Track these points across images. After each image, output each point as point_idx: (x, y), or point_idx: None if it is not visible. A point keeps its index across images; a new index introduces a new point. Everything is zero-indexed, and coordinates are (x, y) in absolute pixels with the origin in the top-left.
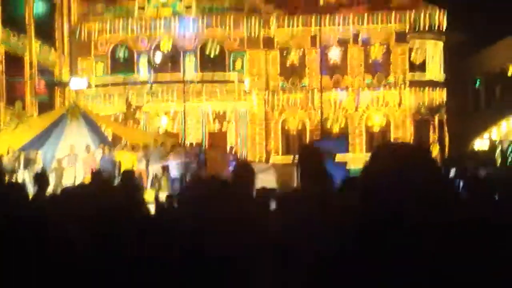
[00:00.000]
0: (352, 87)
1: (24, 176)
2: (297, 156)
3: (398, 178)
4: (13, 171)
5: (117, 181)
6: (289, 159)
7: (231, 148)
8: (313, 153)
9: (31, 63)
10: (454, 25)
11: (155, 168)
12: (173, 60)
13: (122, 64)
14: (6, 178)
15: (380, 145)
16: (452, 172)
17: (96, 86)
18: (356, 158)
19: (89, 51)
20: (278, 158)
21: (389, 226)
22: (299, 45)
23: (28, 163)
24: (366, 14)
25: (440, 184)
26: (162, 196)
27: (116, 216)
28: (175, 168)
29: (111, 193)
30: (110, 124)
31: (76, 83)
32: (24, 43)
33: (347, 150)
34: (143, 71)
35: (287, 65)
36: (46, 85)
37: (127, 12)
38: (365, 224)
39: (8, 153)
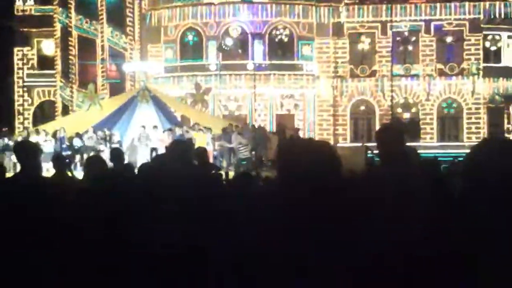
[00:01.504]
0: (424, 75)
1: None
2: (366, 143)
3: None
4: (94, 148)
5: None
6: (356, 145)
7: (297, 129)
8: (394, 133)
9: (102, 47)
10: None
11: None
12: (241, 46)
13: (191, 50)
14: (86, 154)
15: (486, 138)
16: None
17: (166, 71)
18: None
19: (159, 36)
20: (346, 144)
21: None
22: (369, 33)
23: (105, 141)
24: (438, 4)
25: None
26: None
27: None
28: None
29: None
30: (179, 106)
31: (130, 67)
32: (96, 29)
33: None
34: (211, 56)
35: (357, 52)
36: (117, 68)
37: None
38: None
39: (87, 131)
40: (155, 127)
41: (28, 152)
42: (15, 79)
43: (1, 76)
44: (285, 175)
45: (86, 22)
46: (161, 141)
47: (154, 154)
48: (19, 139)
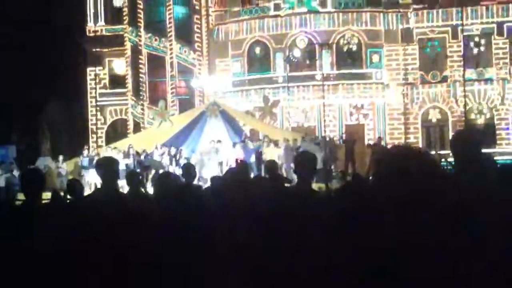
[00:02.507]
0: (497, 79)
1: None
2: (439, 151)
3: None
4: (162, 166)
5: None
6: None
7: (380, 138)
8: (470, 140)
9: (171, 64)
10: None
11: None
12: (309, 56)
13: (258, 62)
14: (154, 171)
15: None
16: None
17: (234, 84)
18: (504, 152)
19: (227, 51)
20: None
21: None
22: (439, 38)
23: (174, 158)
24: (511, 5)
25: None
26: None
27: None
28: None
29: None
30: (248, 119)
31: (198, 82)
32: (165, 46)
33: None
34: (279, 69)
35: (427, 58)
36: (186, 84)
37: (262, 12)
38: None
39: (156, 148)
40: (219, 141)
41: (110, 168)
42: (88, 99)
43: (75, 96)
44: (388, 181)
45: (155, 40)
46: (230, 155)
47: (220, 168)
48: (96, 157)
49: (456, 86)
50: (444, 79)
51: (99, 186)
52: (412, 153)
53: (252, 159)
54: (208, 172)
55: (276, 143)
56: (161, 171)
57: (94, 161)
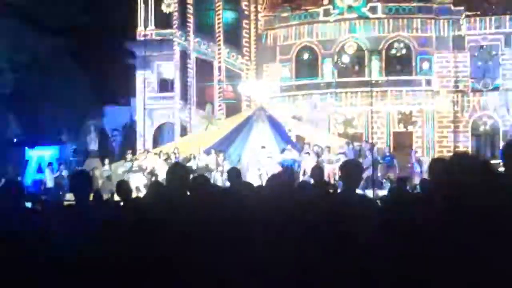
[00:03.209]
0: None
1: (215, 174)
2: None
3: None
4: (208, 170)
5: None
6: None
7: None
8: None
9: (219, 68)
10: None
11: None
12: (358, 62)
13: (306, 68)
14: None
15: None
16: None
17: (281, 90)
18: None
19: (275, 56)
20: None
21: None
22: (492, 45)
23: (219, 162)
24: None
25: None
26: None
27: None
28: None
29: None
30: (295, 125)
31: (246, 87)
32: (214, 50)
33: None
34: (327, 74)
35: (478, 65)
36: (234, 89)
37: (312, 17)
38: None
39: (202, 152)
40: (263, 147)
41: (175, 175)
42: (137, 102)
43: (125, 99)
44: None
45: (204, 44)
46: (273, 161)
47: (262, 174)
48: (140, 161)
49: (508, 94)
50: (496, 88)
51: (143, 189)
52: (472, 162)
53: (296, 165)
54: (252, 177)
55: (317, 153)
56: (207, 174)
57: (136, 165)
